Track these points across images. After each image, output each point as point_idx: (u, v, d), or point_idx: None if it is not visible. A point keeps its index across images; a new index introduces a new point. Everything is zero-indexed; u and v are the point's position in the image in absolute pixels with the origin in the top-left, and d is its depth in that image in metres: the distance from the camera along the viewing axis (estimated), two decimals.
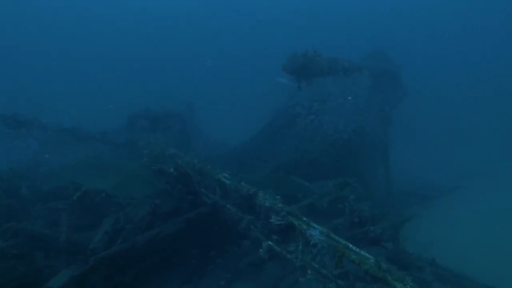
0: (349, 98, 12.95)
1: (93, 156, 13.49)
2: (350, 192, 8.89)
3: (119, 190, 11.48)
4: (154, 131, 14.19)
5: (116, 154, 14.03)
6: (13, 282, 6.89)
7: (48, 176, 12.71)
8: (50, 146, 14.64)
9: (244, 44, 51.98)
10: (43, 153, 14.82)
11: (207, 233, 8.18)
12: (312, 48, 9.98)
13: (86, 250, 7.36)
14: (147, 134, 13.01)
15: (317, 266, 6.15)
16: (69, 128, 13.11)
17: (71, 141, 14.29)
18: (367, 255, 5.80)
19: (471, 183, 18.23)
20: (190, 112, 16.78)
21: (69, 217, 8.27)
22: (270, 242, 7.07)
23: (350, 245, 6.00)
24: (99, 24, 57.53)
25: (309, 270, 6.23)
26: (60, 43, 51.83)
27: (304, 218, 6.79)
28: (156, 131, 14.15)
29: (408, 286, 4.93)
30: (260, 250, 7.17)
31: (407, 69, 18.83)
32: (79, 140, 13.39)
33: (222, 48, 51.95)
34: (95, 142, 13.73)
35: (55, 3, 59.41)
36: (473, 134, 27.05)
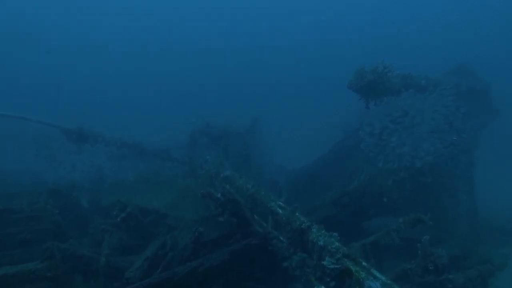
0: (431, 116, 11.36)
1: (153, 172, 13.42)
2: (424, 231, 7.58)
3: (174, 209, 11.15)
4: (214, 148, 13.81)
5: (176, 171, 13.86)
6: None
7: (109, 190, 12.84)
8: (116, 160, 14.91)
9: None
10: (109, 167, 15.13)
11: (253, 268, 7.35)
12: (382, 62, 8.82)
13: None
14: (206, 152, 12.61)
15: None
16: (131, 143, 13.15)
17: (135, 156, 14.42)
18: None
19: None
20: (253, 130, 16.22)
21: (113, 239, 7.93)
22: (322, 287, 6.07)
23: None
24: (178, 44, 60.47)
25: None
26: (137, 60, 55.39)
27: (363, 263, 5.68)
28: (217, 149, 13.75)
29: None
30: None
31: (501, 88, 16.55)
32: (141, 156, 13.38)
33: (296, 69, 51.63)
34: (156, 158, 13.65)
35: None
36: None
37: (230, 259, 7.12)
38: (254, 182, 9.06)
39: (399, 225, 7.58)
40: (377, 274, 5.49)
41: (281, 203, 7.98)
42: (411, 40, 52.03)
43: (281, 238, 7.59)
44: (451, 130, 11.61)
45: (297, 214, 7.38)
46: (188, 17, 65.28)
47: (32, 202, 8.77)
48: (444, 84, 11.88)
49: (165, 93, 47.61)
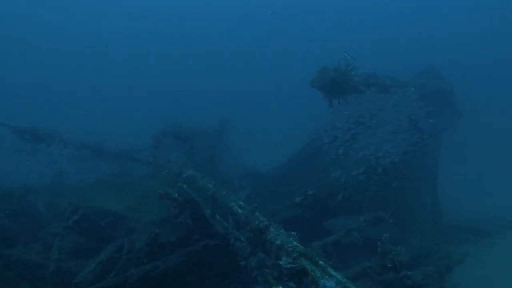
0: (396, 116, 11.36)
1: (116, 173, 12.97)
2: (389, 231, 7.55)
3: (136, 211, 10.77)
4: (180, 149, 13.47)
5: (141, 172, 13.46)
6: None
7: (69, 193, 12.32)
8: (77, 161, 14.34)
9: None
10: (70, 168, 14.54)
11: (213, 270, 7.14)
12: (346, 60, 8.76)
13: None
14: (170, 153, 12.30)
15: None
16: (91, 144, 12.67)
17: (97, 157, 13.91)
18: None
19: None
20: (221, 130, 15.96)
21: (65, 243, 7.54)
22: (280, 287, 5.92)
23: None
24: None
25: None
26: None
27: (320, 262, 5.56)
28: (183, 150, 13.42)
29: None
30: None
31: (463, 89, 16.87)
32: (102, 157, 12.91)
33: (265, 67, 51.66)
34: (118, 159, 13.21)
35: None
36: None
37: (188, 261, 6.89)
38: (216, 182, 8.84)
39: (360, 224, 7.53)
40: (333, 273, 5.38)
41: (241, 203, 7.80)
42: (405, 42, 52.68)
43: (242, 239, 7.41)
44: (414, 130, 11.73)
45: (257, 213, 7.22)
46: (186, 18, 64.53)
47: None
48: (409, 85, 12.01)
49: (163, 95, 46.71)
